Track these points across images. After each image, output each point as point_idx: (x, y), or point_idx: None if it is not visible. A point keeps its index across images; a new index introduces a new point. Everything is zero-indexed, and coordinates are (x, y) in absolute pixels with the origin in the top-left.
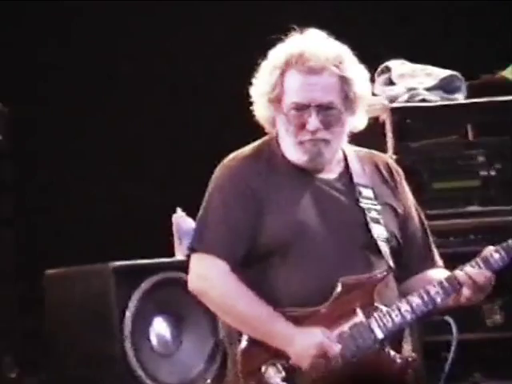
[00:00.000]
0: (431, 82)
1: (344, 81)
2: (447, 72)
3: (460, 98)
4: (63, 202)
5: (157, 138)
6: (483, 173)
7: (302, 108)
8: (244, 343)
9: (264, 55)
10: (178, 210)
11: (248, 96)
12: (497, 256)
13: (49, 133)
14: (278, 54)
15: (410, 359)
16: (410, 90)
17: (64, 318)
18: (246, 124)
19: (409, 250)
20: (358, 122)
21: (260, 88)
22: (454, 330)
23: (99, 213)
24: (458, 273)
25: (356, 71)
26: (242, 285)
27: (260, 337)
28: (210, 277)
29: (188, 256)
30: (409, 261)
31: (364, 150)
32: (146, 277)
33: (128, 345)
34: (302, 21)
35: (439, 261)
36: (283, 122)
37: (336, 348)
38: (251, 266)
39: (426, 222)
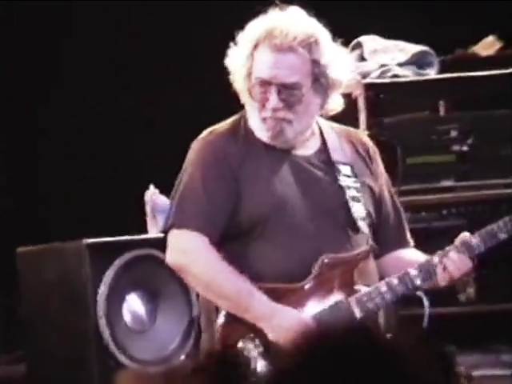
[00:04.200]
0: (403, 58)
1: (315, 64)
2: (419, 47)
3: (432, 73)
4: (35, 179)
5: (130, 116)
6: (456, 148)
7: (265, 84)
8: (222, 319)
9: (243, 26)
10: (151, 186)
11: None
12: (475, 240)
13: (24, 115)
14: (252, 28)
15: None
16: (382, 65)
17: (38, 296)
18: (221, 100)
19: (383, 228)
20: (333, 105)
21: (235, 60)
22: (426, 304)
23: (72, 190)
24: (440, 255)
25: (332, 55)
26: (222, 259)
27: (238, 312)
28: (189, 251)
29: (165, 232)
30: (383, 239)
31: (341, 127)
32: (119, 254)
33: (102, 321)
34: None
35: (411, 241)
36: (249, 97)
37: (313, 325)
38: (231, 242)
39: (398, 201)
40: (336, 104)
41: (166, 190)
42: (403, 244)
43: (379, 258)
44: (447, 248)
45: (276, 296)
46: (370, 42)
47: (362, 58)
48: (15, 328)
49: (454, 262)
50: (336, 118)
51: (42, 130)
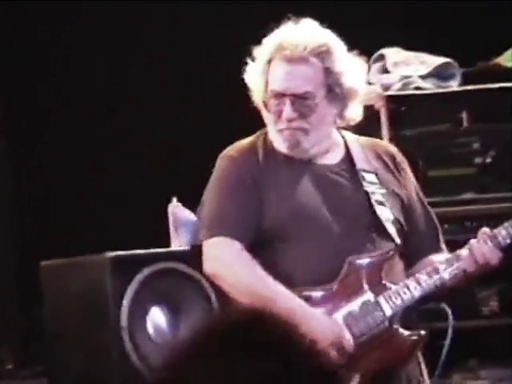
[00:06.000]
0: (425, 70)
1: (328, 72)
2: (442, 59)
3: (454, 85)
4: (58, 192)
5: (152, 130)
6: (478, 160)
7: (278, 96)
8: None
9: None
10: (174, 199)
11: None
12: (504, 233)
13: (46, 123)
14: (266, 43)
15: (420, 334)
16: (404, 77)
17: (61, 309)
18: (244, 115)
19: (415, 235)
20: (352, 114)
21: (252, 76)
22: (450, 317)
23: (94, 203)
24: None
25: (345, 64)
26: (257, 263)
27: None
28: (224, 256)
29: (195, 246)
30: (416, 246)
31: (366, 139)
32: (142, 267)
33: (125, 335)
34: (303, 8)
35: (444, 247)
36: (266, 110)
37: (350, 341)
38: (258, 252)
39: (430, 209)
40: (355, 114)
41: (188, 204)
42: (436, 250)
43: (415, 264)
44: (474, 240)
45: (304, 300)
46: (393, 54)
47: (385, 70)
48: (37, 342)
49: (481, 247)
50: (358, 130)
51: (64, 142)
